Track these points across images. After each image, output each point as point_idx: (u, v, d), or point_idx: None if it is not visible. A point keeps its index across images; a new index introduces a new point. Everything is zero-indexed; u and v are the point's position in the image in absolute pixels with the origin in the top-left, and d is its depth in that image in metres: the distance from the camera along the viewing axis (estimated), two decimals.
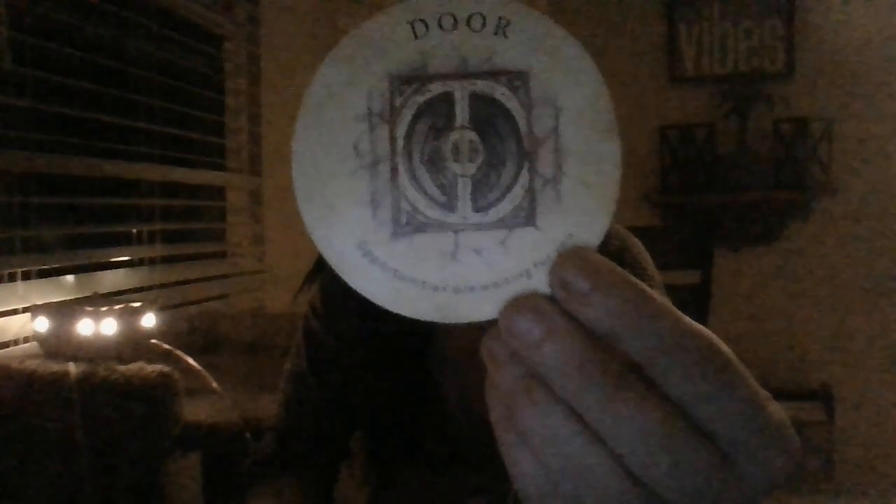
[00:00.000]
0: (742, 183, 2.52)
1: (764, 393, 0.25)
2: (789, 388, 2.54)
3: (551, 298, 0.25)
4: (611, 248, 0.77)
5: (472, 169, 0.27)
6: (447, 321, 0.27)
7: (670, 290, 0.79)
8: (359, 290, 0.27)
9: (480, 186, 0.27)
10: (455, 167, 0.27)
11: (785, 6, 2.59)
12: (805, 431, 2.41)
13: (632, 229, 0.82)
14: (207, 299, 1.86)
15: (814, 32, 2.59)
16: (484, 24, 0.27)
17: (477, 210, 0.27)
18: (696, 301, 1.68)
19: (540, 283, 0.26)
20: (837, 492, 2.45)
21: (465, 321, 0.27)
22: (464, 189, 0.27)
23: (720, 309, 2.38)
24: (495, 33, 0.27)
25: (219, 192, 2.04)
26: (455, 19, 0.27)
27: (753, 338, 2.62)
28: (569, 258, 0.25)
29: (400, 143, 0.27)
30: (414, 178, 0.27)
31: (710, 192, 2.57)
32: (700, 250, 1.76)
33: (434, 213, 0.27)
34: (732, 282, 2.61)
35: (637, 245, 0.80)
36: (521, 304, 0.25)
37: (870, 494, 2.48)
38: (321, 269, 0.83)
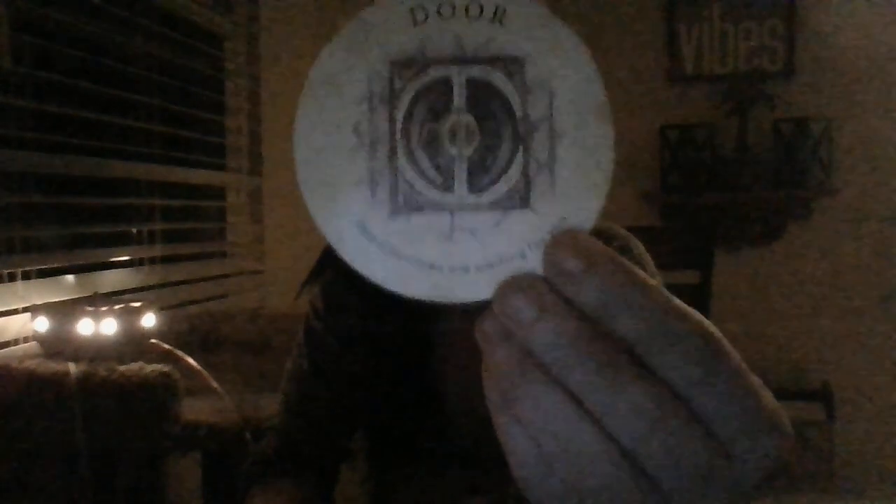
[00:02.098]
0: (742, 183, 2.52)
1: (755, 379, 0.25)
2: (789, 388, 2.54)
3: (545, 279, 0.26)
4: (611, 248, 0.77)
5: (468, 151, 0.27)
6: (442, 300, 0.27)
7: (670, 290, 0.79)
8: (357, 268, 0.27)
9: (476, 168, 0.27)
10: (452, 149, 0.27)
11: (785, 6, 2.59)
12: (805, 431, 2.41)
13: (632, 229, 0.82)
14: (207, 299, 1.86)
15: (814, 32, 2.59)
16: (481, 12, 0.27)
17: (473, 191, 0.27)
18: (696, 301, 1.68)
19: (534, 264, 0.27)
20: (837, 492, 2.45)
21: (460, 301, 0.27)
22: (460, 171, 0.27)
23: (720, 309, 2.38)
24: (492, 21, 0.27)
25: (219, 192, 2.04)
26: (453, 7, 0.27)
27: (753, 338, 2.61)
28: (562, 240, 0.26)
29: (399, 125, 0.27)
30: (412, 159, 0.27)
31: (710, 192, 2.57)
32: (700, 250, 1.76)
33: (431, 194, 0.27)
34: (732, 282, 2.61)
35: (638, 246, 0.80)
36: (515, 283, 0.26)
37: (870, 494, 2.49)
38: (323, 270, 0.83)
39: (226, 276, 1.98)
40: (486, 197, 0.27)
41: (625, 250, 0.78)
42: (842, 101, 2.57)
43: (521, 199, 0.27)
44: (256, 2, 2.08)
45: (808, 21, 2.60)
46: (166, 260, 1.72)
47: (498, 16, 0.27)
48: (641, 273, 0.25)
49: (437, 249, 0.27)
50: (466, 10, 0.27)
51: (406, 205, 0.27)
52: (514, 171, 0.27)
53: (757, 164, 2.53)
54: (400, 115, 0.27)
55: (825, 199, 2.59)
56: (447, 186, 0.27)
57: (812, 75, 2.59)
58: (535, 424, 0.25)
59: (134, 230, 1.65)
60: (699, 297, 1.69)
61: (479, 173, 0.27)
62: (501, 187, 0.27)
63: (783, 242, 2.65)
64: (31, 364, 1.05)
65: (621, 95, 2.57)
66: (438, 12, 0.27)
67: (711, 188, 2.57)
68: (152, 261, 1.66)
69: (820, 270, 2.62)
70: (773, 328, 2.64)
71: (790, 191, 2.53)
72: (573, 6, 2.63)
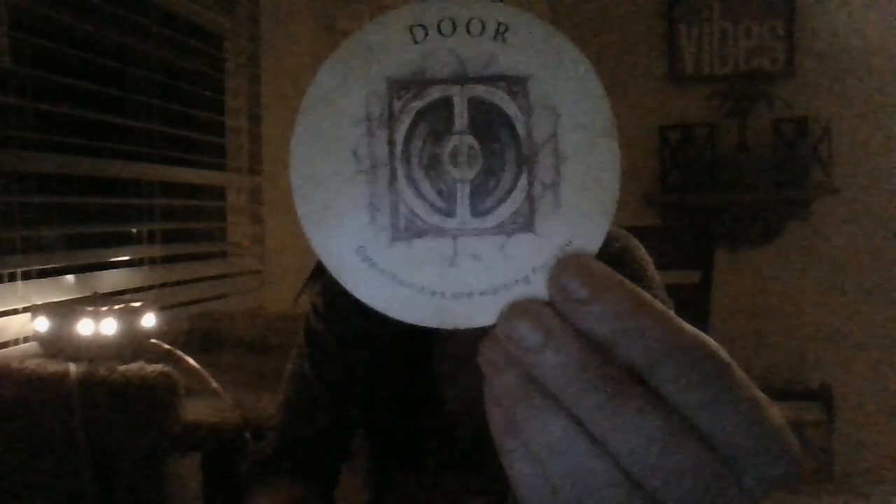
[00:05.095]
0: (742, 183, 2.52)
1: (763, 398, 0.25)
2: (789, 388, 2.54)
3: (550, 304, 0.25)
4: (612, 249, 0.77)
5: (470, 174, 0.27)
6: (446, 326, 0.27)
7: (670, 290, 0.79)
8: (357, 295, 0.27)
9: (479, 191, 0.27)
10: (454, 172, 0.27)
11: (785, 6, 2.59)
12: (805, 431, 2.41)
13: (632, 229, 0.82)
14: (207, 299, 1.86)
15: (814, 32, 2.59)
16: (483, 30, 0.27)
17: (476, 215, 0.27)
18: (696, 301, 1.68)
19: (539, 288, 0.26)
20: (837, 492, 2.45)
21: (464, 326, 0.27)
22: (462, 194, 0.27)
23: (720, 309, 2.38)
24: (494, 38, 0.27)
25: (219, 192, 2.04)
26: (454, 24, 0.27)
27: (753, 338, 2.62)
28: (567, 265, 0.25)
29: (398, 147, 0.27)
30: (412, 182, 0.27)
31: (710, 192, 2.58)
32: (700, 250, 1.76)
33: (433, 218, 0.27)
34: (732, 282, 2.61)
35: (638, 247, 0.80)
36: (519, 309, 0.25)
37: (870, 494, 2.48)
38: (324, 270, 0.83)
39: (226, 276, 1.98)
40: (490, 221, 0.27)
41: (625, 251, 0.78)
42: (842, 101, 2.57)
43: (526, 222, 0.26)
44: (256, 2, 2.08)
45: (808, 21, 2.59)
46: (166, 260, 1.72)
47: (500, 33, 0.27)
48: (648, 297, 0.24)
49: (439, 275, 0.27)
50: (468, 27, 0.27)
51: (407, 230, 0.27)
52: (518, 194, 0.27)
53: (757, 164, 2.53)
54: (400, 138, 0.27)
55: (825, 199, 2.59)
56: (449, 210, 0.27)
57: (812, 75, 2.59)
58: (540, 450, 0.25)
59: (134, 230, 1.65)
60: (699, 297, 1.69)
61: (482, 196, 0.27)
62: (505, 210, 0.27)
63: (783, 242, 2.65)
64: (31, 364, 1.05)
65: (621, 95, 2.57)
66: (439, 30, 0.27)
67: (711, 188, 2.57)
68: (152, 261, 1.66)
69: (820, 270, 2.62)
70: (772, 328, 2.64)
71: (790, 191, 2.53)
72: (573, 7, 2.63)
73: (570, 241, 0.26)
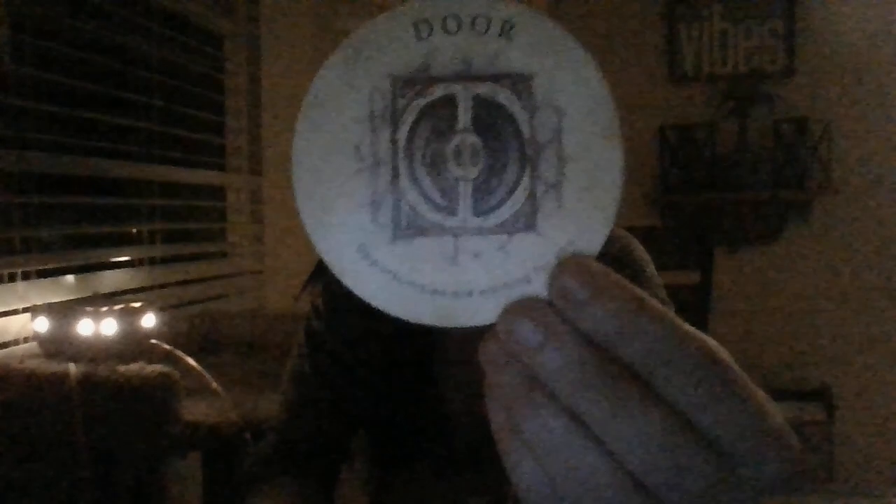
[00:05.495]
0: (742, 183, 2.53)
1: (763, 397, 0.25)
2: (789, 388, 2.54)
3: (551, 303, 0.25)
4: (612, 249, 0.77)
5: (473, 173, 0.26)
6: (446, 325, 0.27)
7: (670, 290, 0.79)
8: (358, 293, 0.27)
9: (482, 190, 0.26)
10: (456, 171, 0.26)
11: (785, 6, 2.59)
12: (805, 431, 2.41)
13: (632, 229, 0.82)
14: (207, 299, 1.86)
15: (814, 32, 2.59)
16: (488, 27, 0.26)
17: (478, 214, 0.27)
18: (696, 301, 1.68)
19: (540, 288, 0.26)
20: (837, 492, 2.45)
21: (465, 325, 0.27)
22: (465, 193, 0.27)
23: (720, 309, 2.38)
24: (500, 36, 0.26)
25: (219, 192, 2.04)
26: (459, 21, 0.26)
27: (753, 338, 2.62)
28: (568, 266, 0.25)
29: (401, 145, 0.26)
30: (415, 180, 0.26)
31: (710, 192, 2.58)
32: (700, 250, 1.76)
33: (434, 217, 0.26)
34: (732, 282, 2.61)
35: (638, 247, 0.80)
36: (520, 308, 0.25)
37: (870, 494, 2.49)
38: (324, 270, 0.83)
39: (226, 276, 1.98)
40: (491, 220, 0.26)
41: (624, 251, 0.78)
42: (842, 101, 2.57)
43: (527, 221, 0.26)
44: (256, 2, 2.08)
45: (808, 21, 2.60)
46: (166, 260, 1.72)
47: (506, 31, 0.26)
48: (648, 298, 0.24)
49: (440, 274, 0.27)
50: (473, 24, 0.26)
51: (409, 228, 0.26)
52: (521, 194, 0.26)
53: (757, 164, 2.53)
54: (403, 135, 0.26)
55: (825, 200, 2.59)
56: (451, 209, 0.27)
57: (812, 75, 2.60)
58: (541, 448, 0.25)
59: (134, 230, 1.65)
60: (699, 297, 1.69)
61: (485, 195, 0.26)
62: (507, 210, 0.26)
63: (783, 242, 2.65)
64: (31, 364, 1.05)
65: (621, 95, 2.56)
66: (444, 27, 0.26)
67: (711, 188, 2.57)
68: (152, 261, 1.66)
69: (820, 270, 2.62)
70: (773, 328, 2.64)
71: (790, 191, 2.54)
72: (574, 7, 2.63)
73: (571, 242, 0.26)
